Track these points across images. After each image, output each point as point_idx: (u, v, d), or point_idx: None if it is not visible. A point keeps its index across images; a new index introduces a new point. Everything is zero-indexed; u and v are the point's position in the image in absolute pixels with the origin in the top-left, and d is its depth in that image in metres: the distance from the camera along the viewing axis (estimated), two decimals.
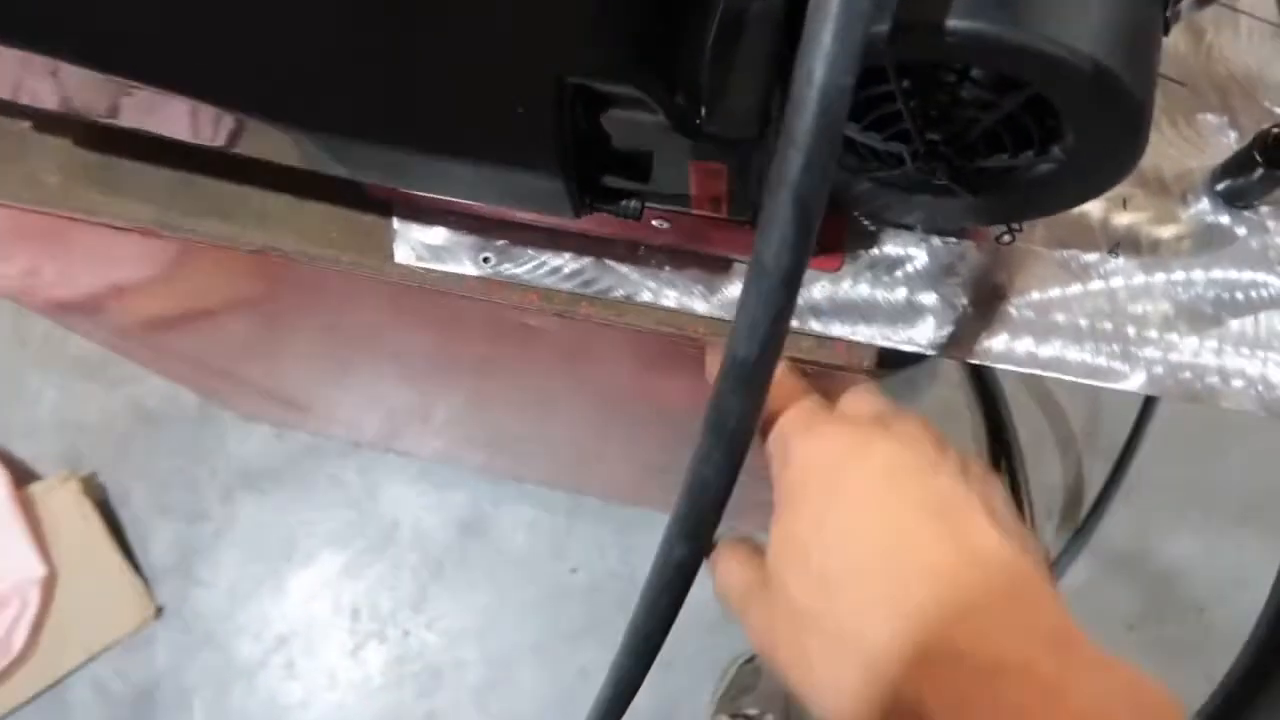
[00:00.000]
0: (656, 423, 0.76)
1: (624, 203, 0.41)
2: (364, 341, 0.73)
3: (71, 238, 0.61)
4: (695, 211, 0.42)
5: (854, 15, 0.27)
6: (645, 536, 1.35)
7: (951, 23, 0.32)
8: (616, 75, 0.33)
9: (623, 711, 0.42)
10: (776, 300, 0.30)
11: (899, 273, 0.47)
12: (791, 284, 0.30)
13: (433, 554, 1.38)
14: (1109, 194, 0.46)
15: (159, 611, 1.40)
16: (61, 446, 1.47)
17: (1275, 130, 0.43)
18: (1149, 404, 1.31)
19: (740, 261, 0.48)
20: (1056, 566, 1.29)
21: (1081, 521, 1.31)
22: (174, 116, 0.43)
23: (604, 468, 1.12)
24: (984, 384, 1.36)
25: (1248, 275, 0.46)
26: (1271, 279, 0.46)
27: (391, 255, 0.50)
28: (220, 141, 0.43)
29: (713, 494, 0.34)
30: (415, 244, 0.50)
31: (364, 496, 1.42)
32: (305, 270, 0.54)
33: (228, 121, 0.42)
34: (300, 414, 1.24)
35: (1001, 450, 1.34)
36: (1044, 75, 0.33)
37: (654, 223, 0.45)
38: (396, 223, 0.50)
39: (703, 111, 0.36)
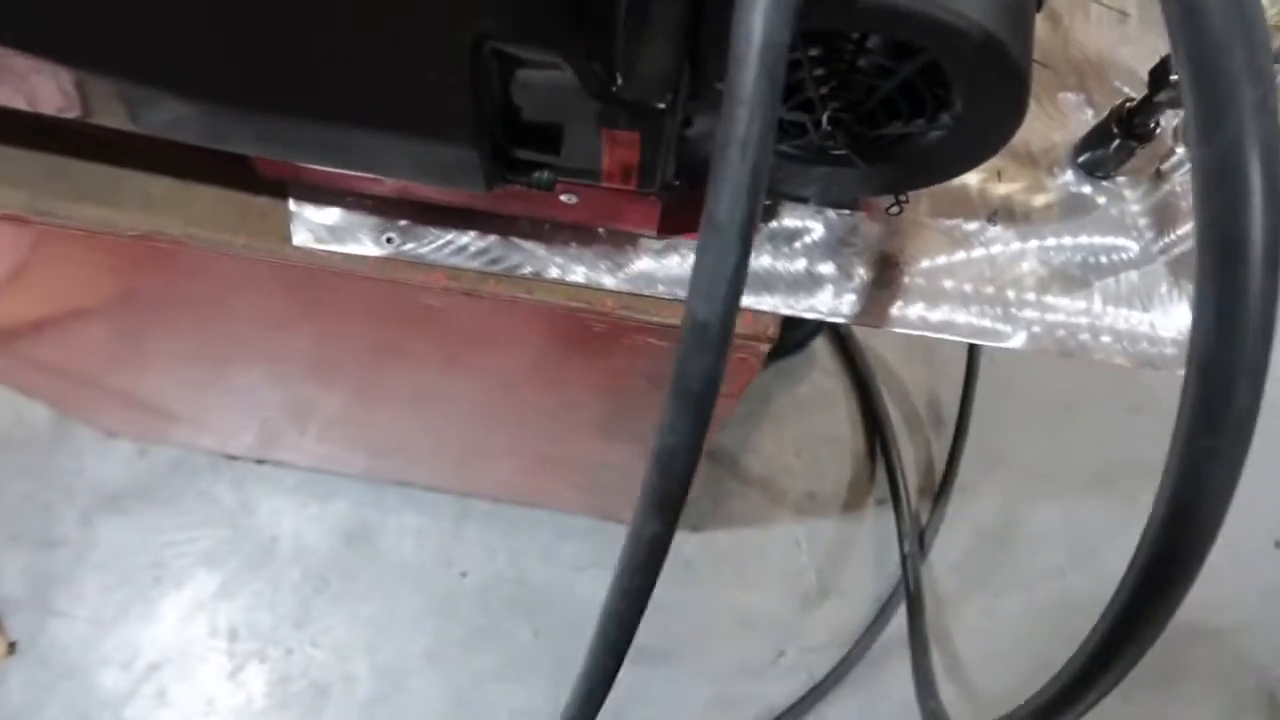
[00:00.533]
0: (554, 410, 0.76)
1: (536, 174, 0.41)
2: (248, 337, 0.71)
3: None
4: (606, 184, 0.43)
5: None
6: (534, 538, 1.34)
7: None
8: (538, 40, 0.34)
9: (604, 697, 0.41)
10: (733, 255, 0.30)
11: (798, 244, 0.49)
12: (746, 237, 0.30)
13: (315, 567, 1.34)
14: (985, 167, 0.50)
15: (12, 647, 1.30)
16: None
17: (1128, 105, 0.47)
18: (969, 381, 1.39)
19: (647, 237, 0.49)
20: (926, 536, 1.35)
21: (936, 492, 1.38)
22: (52, 90, 0.41)
23: (495, 464, 1.11)
24: (858, 371, 1.42)
25: (1110, 240, 0.50)
26: (1129, 243, 0.50)
27: (289, 238, 0.49)
28: (107, 119, 0.41)
29: (681, 462, 0.33)
30: (314, 226, 0.49)
31: (239, 511, 1.36)
32: (188, 259, 0.52)
33: (115, 94, 0.40)
34: (170, 424, 1.17)
35: (876, 432, 1.40)
36: (939, 42, 0.35)
37: (563, 198, 0.46)
38: (293, 204, 0.49)
39: (618, 78, 0.37)
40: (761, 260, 0.49)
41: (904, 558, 1.28)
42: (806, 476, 1.40)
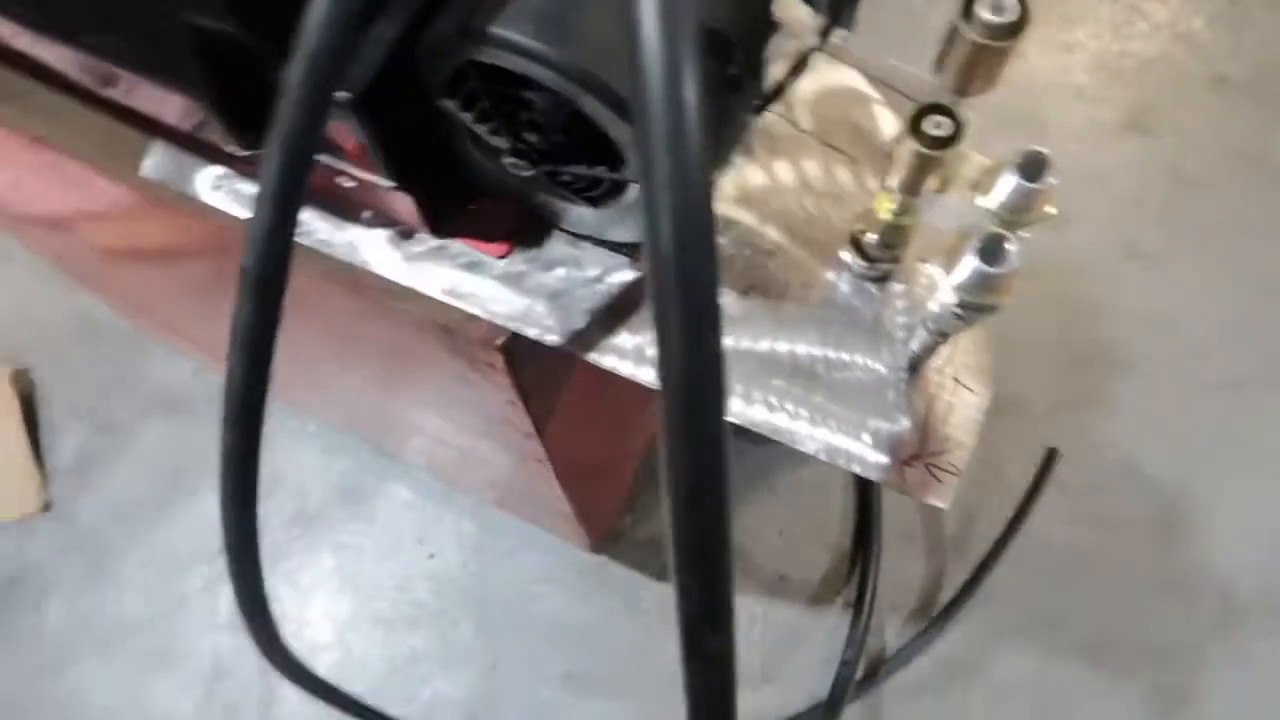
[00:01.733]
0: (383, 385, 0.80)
1: None
2: (184, 271, 0.79)
3: None
4: (356, 172, 0.48)
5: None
6: (506, 539, 1.39)
7: (494, 29, 0.37)
8: (215, 13, 0.39)
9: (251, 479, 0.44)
10: (266, 218, 0.34)
11: (557, 271, 0.52)
12: (279, 205, 0.34)
13: (306, 511, 1.43)
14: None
15: (47, 506, 1.46)
16: (6, 339, 1.56)
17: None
18: (1014, 525, 1.33)
19: (423, 233, 0.53)
20: (890, 663, 1.29)
21: (925, 627, 1.31)
22: None
23: (475, 468, 1.16)
24: None
25: (853, 352, 0.50)
26: (870, 355, 0.50)
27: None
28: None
29: (237, 385, 0.38)
30: (161, 163, 0.56)
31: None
32: (78, 174, 0.60)
33: None
34: (195, 347, 1.30)
35: (865, 533, 1.35)
36: (570, 90, 0.38)
37: (340, 180, 0.51)
38: (157, 143, 0.56)
39: None
40: (519, 279, 0.52)
41: (841, 664, 1.24)
42: (783, 559, 1.37)
